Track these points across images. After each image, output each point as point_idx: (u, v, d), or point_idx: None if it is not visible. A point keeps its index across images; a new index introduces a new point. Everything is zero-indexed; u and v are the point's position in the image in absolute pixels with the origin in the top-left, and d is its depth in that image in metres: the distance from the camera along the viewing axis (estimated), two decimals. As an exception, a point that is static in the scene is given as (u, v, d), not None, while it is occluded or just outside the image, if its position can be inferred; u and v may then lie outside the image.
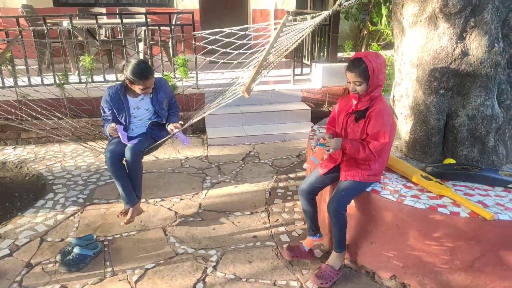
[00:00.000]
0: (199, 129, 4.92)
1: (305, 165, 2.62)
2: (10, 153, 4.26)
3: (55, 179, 3.61)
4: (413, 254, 2.17)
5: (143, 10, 6.67)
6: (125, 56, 4.96)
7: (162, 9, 7.21)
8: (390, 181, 2.39)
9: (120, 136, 2.71)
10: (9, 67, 4.52)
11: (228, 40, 3.41)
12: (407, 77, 2.75)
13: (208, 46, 3.42)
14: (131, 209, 2.76)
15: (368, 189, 2.27)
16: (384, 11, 5.20)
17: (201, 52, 3.89)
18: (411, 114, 2.72)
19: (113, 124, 2.72)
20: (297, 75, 5.50)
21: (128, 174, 2.75)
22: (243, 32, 3.39)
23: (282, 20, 2.97)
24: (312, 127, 3.31)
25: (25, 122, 3.70)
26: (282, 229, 2.84)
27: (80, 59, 4.76)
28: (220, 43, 3.36)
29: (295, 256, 2.47)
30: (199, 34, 3.19)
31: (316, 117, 5.21)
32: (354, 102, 2.21)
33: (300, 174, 3.74)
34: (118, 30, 6.44)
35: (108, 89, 2.81)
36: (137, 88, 2.67)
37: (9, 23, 6.63)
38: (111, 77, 4.86)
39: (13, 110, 3.66)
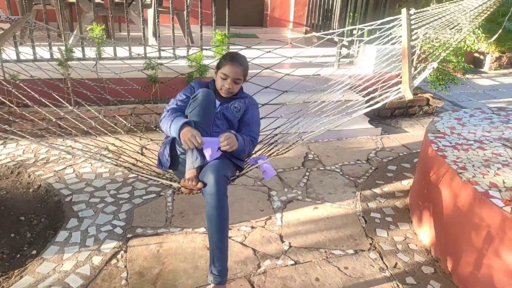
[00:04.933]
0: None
1: None
2: (0, 152, 3.26)
3: (73, 194, 2.70)
4: None
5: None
6: (127, 25, 3.88)
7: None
8: None
9: (207, 155, 1.86)
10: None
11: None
12: None
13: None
14: None
15: None
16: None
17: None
18: None
19: (198, 137, 1.81)
20: (343, 57, 4.68)
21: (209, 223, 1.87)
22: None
23: (403, 15, 2.25)
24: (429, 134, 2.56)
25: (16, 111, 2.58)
26: (410, 280, 2.12)
27: (88, 29, 3.72)
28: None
29: None
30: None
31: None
32: None
33: (385, 189, 3.03)
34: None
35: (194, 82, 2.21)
36: (219, 77, 2.08)
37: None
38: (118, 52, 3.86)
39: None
